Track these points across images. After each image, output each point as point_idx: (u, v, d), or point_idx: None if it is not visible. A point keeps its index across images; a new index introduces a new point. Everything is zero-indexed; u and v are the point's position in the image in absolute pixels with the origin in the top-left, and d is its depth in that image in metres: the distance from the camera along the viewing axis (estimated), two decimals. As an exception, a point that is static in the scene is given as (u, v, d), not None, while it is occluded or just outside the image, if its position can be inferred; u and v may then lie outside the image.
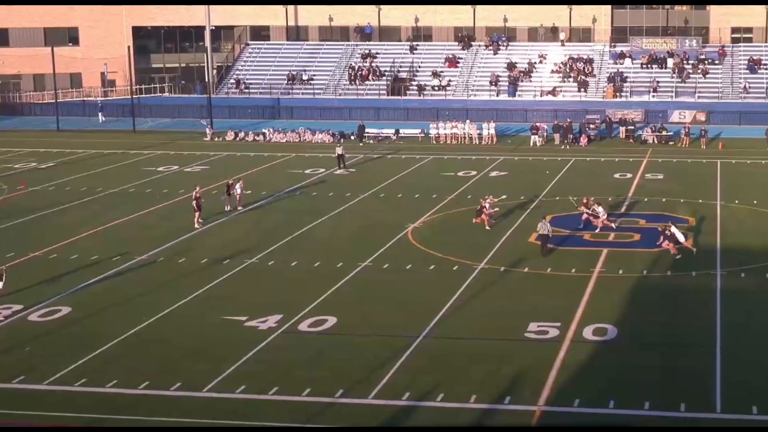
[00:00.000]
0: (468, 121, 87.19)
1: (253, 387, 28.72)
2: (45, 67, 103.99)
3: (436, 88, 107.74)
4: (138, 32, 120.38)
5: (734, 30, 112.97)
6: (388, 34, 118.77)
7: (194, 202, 50.37)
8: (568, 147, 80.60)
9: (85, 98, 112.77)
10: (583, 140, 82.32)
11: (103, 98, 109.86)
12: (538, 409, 27.17)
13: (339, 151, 70.53)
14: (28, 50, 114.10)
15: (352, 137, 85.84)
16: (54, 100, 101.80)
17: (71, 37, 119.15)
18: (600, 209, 47.94)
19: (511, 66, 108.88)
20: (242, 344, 32.28)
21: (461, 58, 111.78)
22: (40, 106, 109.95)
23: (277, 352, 31.76)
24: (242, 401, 27.87)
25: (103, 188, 61.89)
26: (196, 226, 49.69)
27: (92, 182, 64.55)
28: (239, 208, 54.48)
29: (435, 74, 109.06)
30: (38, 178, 66.63)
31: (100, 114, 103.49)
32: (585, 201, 49.16)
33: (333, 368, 30.14)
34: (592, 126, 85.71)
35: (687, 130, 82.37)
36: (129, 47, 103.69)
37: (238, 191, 54.79)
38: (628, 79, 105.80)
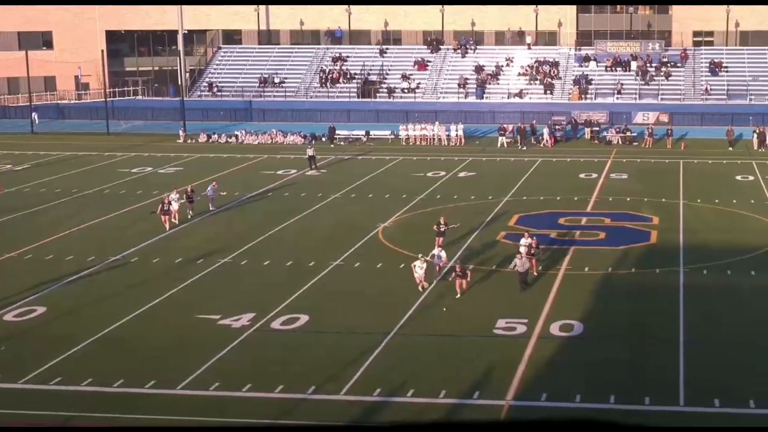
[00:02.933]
0: (437, 122, 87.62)
1: (226, 384, 28.99)
2: (19, 71, 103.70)
3: (406, 91, 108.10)
4: (112, 36, 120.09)
5: (696, 33, 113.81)
6: (358, 37, 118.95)
7: (162, 206, 50.38)
8: (525, 148, 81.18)
9: (59, 101, 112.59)
10: (549, 141, 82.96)
11: (37, 102, 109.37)
12: (507, 404, 27.58)
13: (310, 152, 70.86)
14: (2, 54, 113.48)
15: (323, 139, 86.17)
16: (29, 103, 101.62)
17: (45, 40, 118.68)
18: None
19: (478, 69, 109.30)
20: (215, 342, 32.56)
21: (430, 61, 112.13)
22: (14, 108, 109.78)
23: (250, 350, 32.06)
24: (216, 398, 28.14)
25: (78, 189, 61.96)
26: (167, 226, 49.91)
27: (67, 184, 64.62)
28: (212, 208, 54.71)
29: (404, 77, 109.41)
30: (13, 180, 66.63)
31: (34, 114, 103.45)
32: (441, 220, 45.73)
33: (305, 365, 30.44)
34: (558, 127, 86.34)
35: (651, 130, 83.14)
36: (103, 51, 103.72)
37: (211, 193, 54.99)
38: (593, 82, 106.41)
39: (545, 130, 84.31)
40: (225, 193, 58.33)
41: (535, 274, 40.11)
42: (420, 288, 38.08)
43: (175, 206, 51.21)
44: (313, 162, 69.89)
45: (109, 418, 26.73)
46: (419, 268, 38.50)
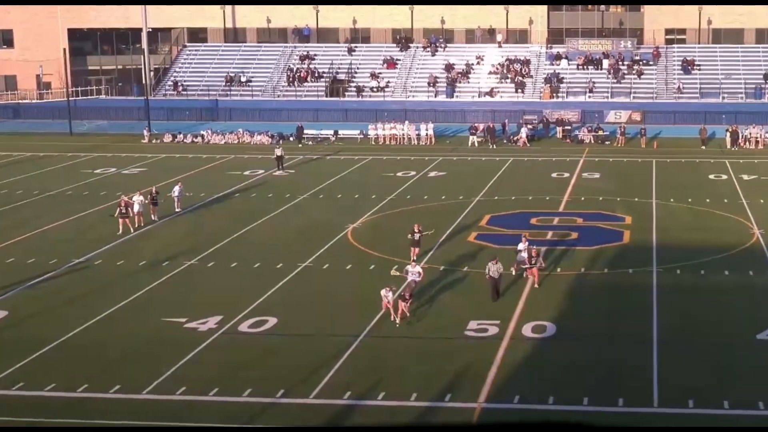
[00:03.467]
0: (407, 122, 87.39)
1: (193, 388, 28.67)
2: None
3: (375, 90, 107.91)
4: (74, 34, 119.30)
5: (668, 31, 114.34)
6: (326, 35, 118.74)
7: (119, 209, 49.47)
8: (495, 147, 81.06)
9: (20, 101, 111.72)
10: (521, 140, 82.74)
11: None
12: (479, 406, 27.37)
13: (278, 152, 70.43)
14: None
15: (291, 138, 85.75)
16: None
17: (5, 39, 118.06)
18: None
19: (449, 67, 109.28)
20: (182, 346, 32.19)
21: (399, 60, 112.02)
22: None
23: (217, 354, 31.69)
24: (182, 403, 27.80)
25: (40, 191, 61.30)
26: (122, 230, 49.07)
27: (28, 185, 63.95)
28: (177, 210, 54.17)
29: (373, 75, 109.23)
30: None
31: None
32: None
33: (274, 368, 30.16)
34: (529, 126, 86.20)
35: (623, 129, 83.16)
36: (65, 49, 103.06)
37: (177, 194, 54.46)
38: (565, 80, 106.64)
39: (523, 129, 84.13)
40: (191, 194, 57.76)
41: (537, 286, 38.83)
42: (393, 318, 35.00)
43: (138, 208, 50.55)
44: (280, 162, 69.43)
45: (73, 424, 26.28)
46: (386, 297, 35.21)
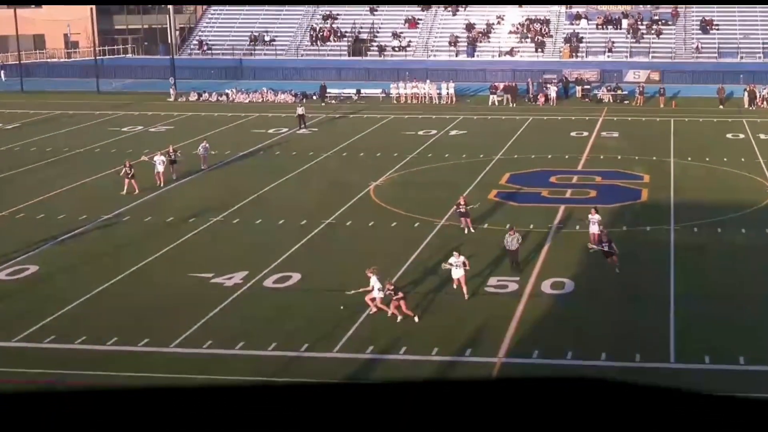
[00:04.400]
0: (428, 81, 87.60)
1: (219, 342, 29.07)
2: (7, 29, 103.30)
3: (397, 49, 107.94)
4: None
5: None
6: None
7: (124, 169, 49.37)
8: (514, 105, 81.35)
9: (48, 60, 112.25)
10: (541, 99, 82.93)
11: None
12: (499, 361, 27.68)
13: (299, 111, 70.77)
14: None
15: (314, 97, 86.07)
16: (18, 62, 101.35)
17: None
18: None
19: (469, 27, 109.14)
20: (208, 301, 32.64)
21: (421, 20, 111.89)
22: (3, 67, 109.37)
23: (242, 308, 32.15)
24: (208, 356, 28.21)
25: (69, 148, 61.86)
26: (126, 191, 48.92)
27: (57, 143, 64.55)
28: (203, 167, 54.72)
29: (395, 35, 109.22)
30: (3, 139, 66.64)
31: (1, 72, 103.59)
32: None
33: (298, 323, 30.50)
34: (549, 86, 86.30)
35: (642, 89, 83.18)
36: (92, 9, 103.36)
37: (202, 152, 54.96)
38: (584, 40, 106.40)
39: (552, 88, 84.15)
40: (215, 152, 58.24)
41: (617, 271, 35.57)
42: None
43: (159, 168, 50.99)
44: (302, 121, 69.80)
45: (103, 376, 26.59)
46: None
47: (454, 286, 33.18)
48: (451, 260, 33.41)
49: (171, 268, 36.70)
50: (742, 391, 25.69)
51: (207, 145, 55.75)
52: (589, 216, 39.05)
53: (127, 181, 49.11)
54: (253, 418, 2.78)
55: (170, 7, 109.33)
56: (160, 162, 51.14)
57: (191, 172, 53.73)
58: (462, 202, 41.83)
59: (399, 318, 30.73)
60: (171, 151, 53.44)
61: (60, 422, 2.73)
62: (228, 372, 26.96)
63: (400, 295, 31.06)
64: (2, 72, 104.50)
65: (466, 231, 40.69)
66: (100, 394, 2.93)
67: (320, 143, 63.30)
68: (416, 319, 30.74)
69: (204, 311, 31.67)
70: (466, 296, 32.68)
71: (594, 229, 38.07)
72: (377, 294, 31.15)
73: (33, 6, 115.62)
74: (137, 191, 48.79)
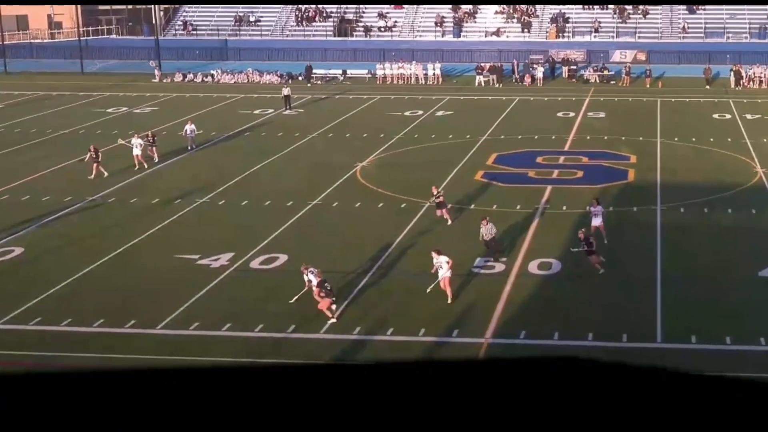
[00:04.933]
0: (414, 61, 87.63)
1: (205, 324, 29.10)
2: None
3: (383, 30, 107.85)
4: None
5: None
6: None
7: (90, 154, 48.90)
8: (500, 86, 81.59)
9: (32, 41, 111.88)
10: (527, 80, 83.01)
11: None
12: (486, 341, 27.78)
13: (286, 91, 70.73)
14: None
15: (300, 78, 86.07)
16: (1, 42, 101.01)
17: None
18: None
19: (455, 7, 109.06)
20: (195, 282, 32.66)
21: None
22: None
23: (229, 290, 32.16)
24: (195, 338, 28.26)
25: (53, 130, 61.72)
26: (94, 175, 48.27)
27: (42, 124, 64.36)
28: (190, 148, 54.63)
29: (381, 15, 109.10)
30: (-14, 121, 66.44)
31: None
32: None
33: (285, 304, 30.48)
34: (535, 66, 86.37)
35: (628, 69, 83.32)
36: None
37: (189, 133, 54.82)
38: (571, 20, 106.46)
39: (540, 69, 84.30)
40: (201, 132, 58.13)
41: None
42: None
43: (136, 151, 50.69)
44: (288, 102, 69.74)
45: (89, 358, 26.69)
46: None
47: (441, 286, 31.32)
48: (434, 262, 31.70)
49: (157, 250, 36.63)
50: (729, 371, 25.80)
51: (193, 126, 55.62)
52: (591, 208, 37.76)
53: (94, 165, 48.66)
54: (239, 400, 2.72)
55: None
56: (137, 145, 50.86)
57: (177, 153, 53.59)
58: (434, 192, 40.24)
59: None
60: (150, 135, 53.02)
61: (43, 405, 2.68)
62: (215, 353, 27.00)
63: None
64: None
65: (449, 222, 39.68)
66: (83, 375, 2.81)
67: (306, 124, 63.32)
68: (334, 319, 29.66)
69: (190, 293, 31.68)
70: (450, 299, 30.92)
71: (597, 222, 36.82)
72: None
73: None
74: (106, 175, 48.43)
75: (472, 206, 42.25)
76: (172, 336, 28.49)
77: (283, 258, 35.31)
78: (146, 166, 50.47)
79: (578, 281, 32.80)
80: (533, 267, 34.18)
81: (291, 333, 28.47)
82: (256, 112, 68.86)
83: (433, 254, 31.91)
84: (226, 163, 51.71)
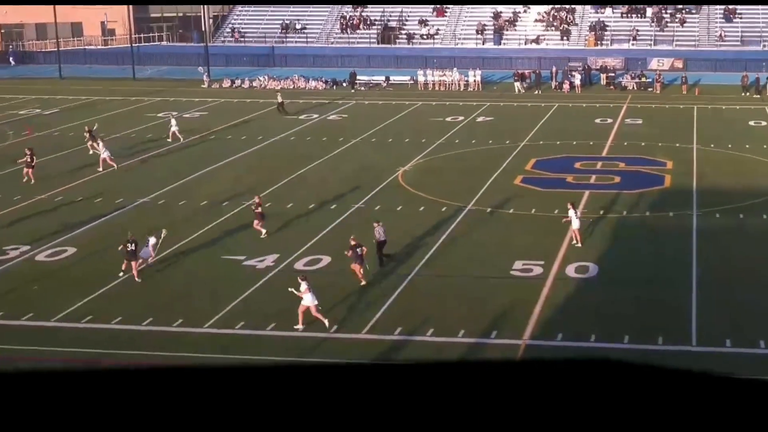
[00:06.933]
0: (455, 69, 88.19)
1: (251, 323, 29.71)
2: (47, 17, 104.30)
3: (425, 37, 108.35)
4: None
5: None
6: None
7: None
8: (540, 92, 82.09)
9: (86, 47, 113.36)
10: (566, 87, 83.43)
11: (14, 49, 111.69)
12: (524, 343, 28.19)
13: (279, 98, 71.77)
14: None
15: (344, 84, 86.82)
16: (56, 49, 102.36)
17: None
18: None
19: (496, 15, 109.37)
20: (241, 282, 33.30)
21: (449, 8, 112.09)
22: (42, 54, 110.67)
23: (274, 290, 32.61)
24: (241, 336, 28.84)
25: (106, 133, 61.84)
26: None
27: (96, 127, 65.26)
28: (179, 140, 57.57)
29: (423, 23, 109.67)
30: (42, 124, 67.43)
31: (11, 59, 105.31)
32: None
33: (328, 305, 30.77)
34: (574, 73, 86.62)
35: (659, 76, 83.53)
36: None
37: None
38: (609, 28, 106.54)
39: (578, 76, 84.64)
40: (244, 138, 59.03)
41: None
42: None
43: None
44: (282, 108, 70.84)
45: (138, 356, 27.29)
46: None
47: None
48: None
49: (204, 251, 37.28)
50: (763, 375, 26.05)
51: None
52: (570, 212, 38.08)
53: (26, 170, 48.92)
54: (281, 398, 2.82)
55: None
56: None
57: (224, 156, 54.50)
58: (258, 201, 40.18)
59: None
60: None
61: (91, 401, 2.76)
62: (260, 352, 27.42)
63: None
64: (12, 58, 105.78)
65: (262, 235, 38.48)
66: (133, 373, 2.89)
67: (350, 129, 63.97)
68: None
69: (237, 293, 32.27)
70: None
71: (576, 225, 37.65)
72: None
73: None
74: (33, 181, 48.50)
75: (511, 210, 42.70)
76: (218, 334, 29.05)
77: (326, 260, 35.83)
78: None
79: (615, 284, 33.14)
80: (571, 270, 34.54)
81: (334, 333, 29.01)
82: (302, 117, 69.59)
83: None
84: (271, 167, 52.24)
